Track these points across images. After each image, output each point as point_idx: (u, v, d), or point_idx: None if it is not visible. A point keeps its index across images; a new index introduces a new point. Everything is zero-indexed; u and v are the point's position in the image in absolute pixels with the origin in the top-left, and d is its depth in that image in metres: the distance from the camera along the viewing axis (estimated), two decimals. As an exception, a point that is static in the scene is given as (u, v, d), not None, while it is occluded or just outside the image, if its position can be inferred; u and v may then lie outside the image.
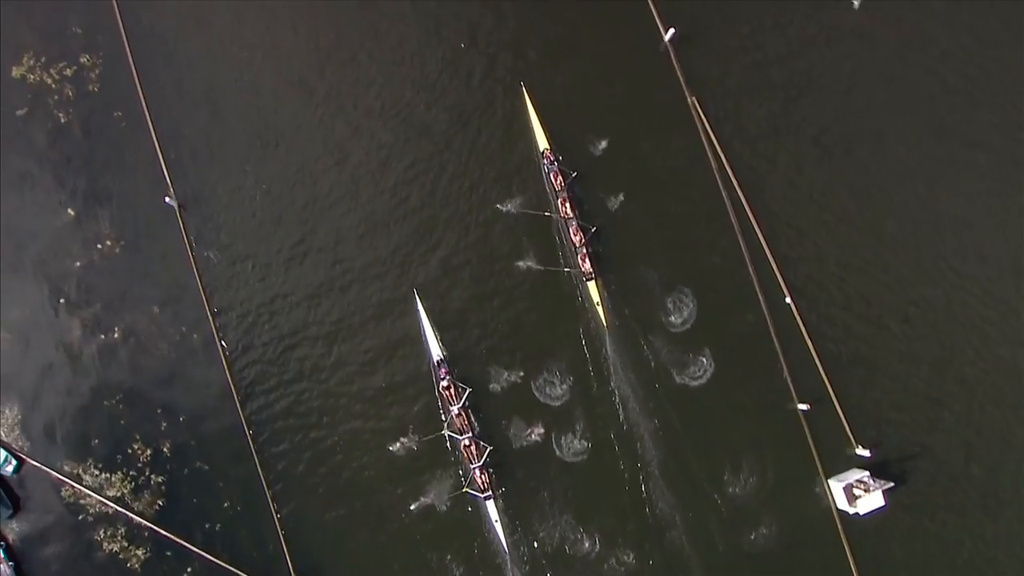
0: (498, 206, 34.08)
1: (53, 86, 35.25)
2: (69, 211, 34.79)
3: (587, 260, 33.06)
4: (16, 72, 35.39)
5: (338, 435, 33.49)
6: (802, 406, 33.17)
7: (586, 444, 33.29)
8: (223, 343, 33.98)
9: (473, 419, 33.22)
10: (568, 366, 33.49)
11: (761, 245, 33.74)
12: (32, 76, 35.33)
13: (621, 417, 33.30)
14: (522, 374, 33.43)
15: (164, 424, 33.73)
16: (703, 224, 34.25)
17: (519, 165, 34.46)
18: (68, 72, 35.31)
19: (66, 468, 33.64)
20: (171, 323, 34.18)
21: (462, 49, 34.77)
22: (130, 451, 33.70)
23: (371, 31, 35.09)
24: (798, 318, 33.34)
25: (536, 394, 33.34)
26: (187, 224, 34.24)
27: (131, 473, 33.61)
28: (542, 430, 33.20)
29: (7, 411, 33.96)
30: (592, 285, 33.21)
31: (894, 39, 34.92)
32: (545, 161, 33.82)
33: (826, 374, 33.29)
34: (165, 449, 33.70)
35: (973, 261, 34.06)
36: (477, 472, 32.19)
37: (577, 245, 33.09)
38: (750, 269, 33.66)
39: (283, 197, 34.51)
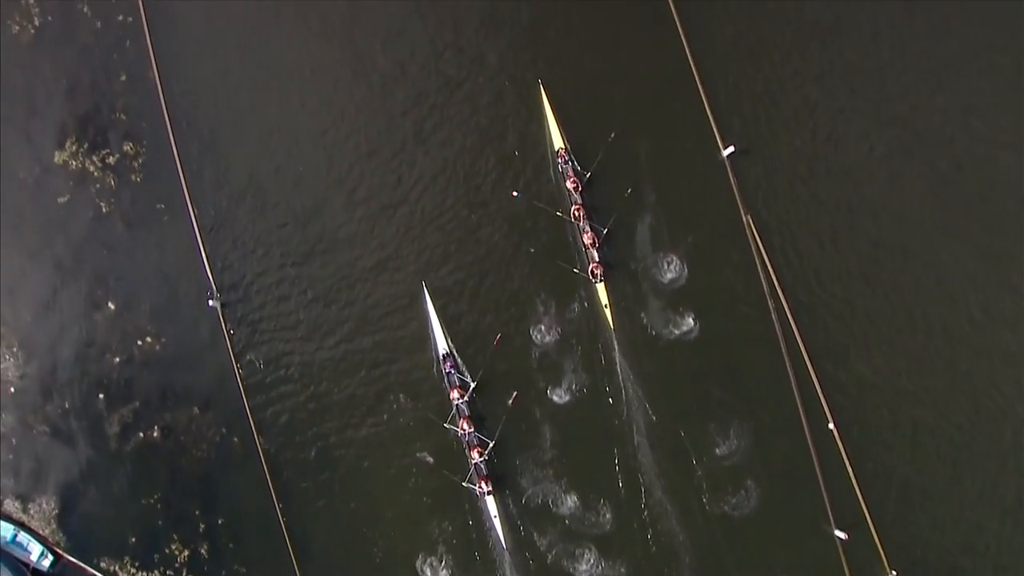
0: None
1: (95, 174, 34.65)
2: (110, 304, 34.38)
3: (597, 260, 32.58)
4: (59, 158, 34.80)
5: (382, 550, 33.20)
6: (840, 534, 33.08)
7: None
8: (262, 445, 33.67)
9: (477, 413, 32.71)
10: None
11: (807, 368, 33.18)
12: (74, 162, 34.74)
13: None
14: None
15: (202, 526, 33.61)
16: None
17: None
18: (111, 160, 34.68)
19: (103, 565, 33.63)
20: (211, 423, 33.87)
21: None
22: (167, 551, 33.60)
23: (415, 134, 34.20)
24: (840, 444, 33.03)
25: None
26: (228, 323, 33.75)
27: (168, 573, 33.58)
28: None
29: (45, 505, 33.90)
30: (601, 287, 32.76)
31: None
32: (559, 160, 33.25)
33: (863, 496, 33.03)
34: (203, 551, 33.62)
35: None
36: (477, 467, 31.87)
37: (588, 246, 32.64)
38: (795, 392, 33.21)
39: (323, 297, 33.81)
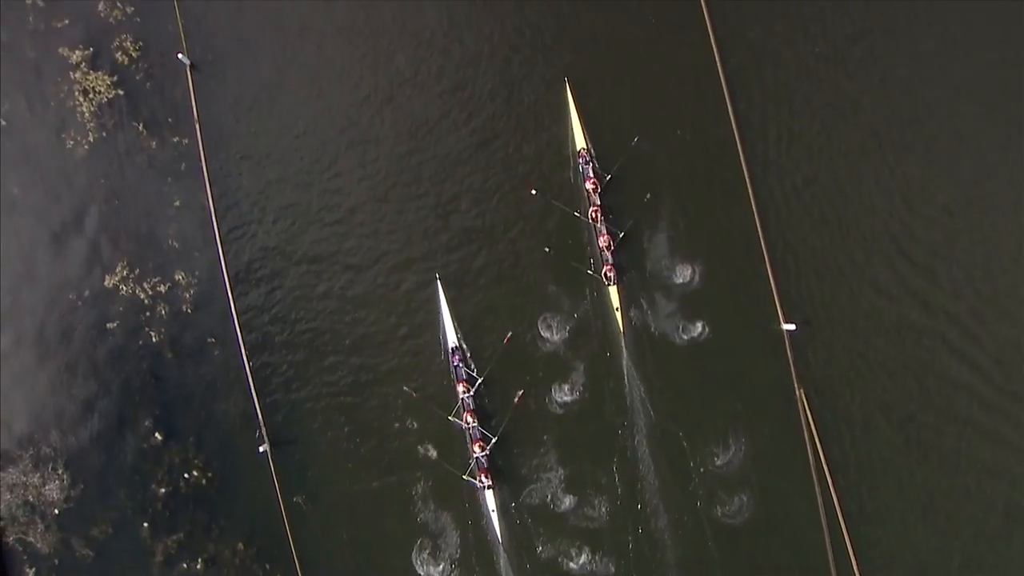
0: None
1: (146, 301, 34.32)
2: (156, 435, 34.29)
3: (611, 264, 32.78)
4: (109, 282, 34.45)
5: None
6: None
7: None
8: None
9: (482, 408, 32.99)
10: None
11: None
12: (125, 288, 34.39)
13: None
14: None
15: (244, 656, 33.97)
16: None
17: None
18: (162, 288, 34.31)
19: None
20: (255, 559, 33.95)
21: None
22: None
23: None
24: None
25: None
26: (276, 466, 33.69)
27: None
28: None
29: (87, 630, 34.27)
30: (613, 290, 32.94)
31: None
32: (580, 160, 33.28)
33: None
34: None
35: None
36: (479, 461, 32.29)
37: (603, 248, 32.81)
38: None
39: (373, 452, 33.73)
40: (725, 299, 33.01)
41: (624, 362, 32.89)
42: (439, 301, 33.41)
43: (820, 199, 33.28)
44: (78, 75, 35.10)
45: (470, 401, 32.83)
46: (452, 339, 33.20)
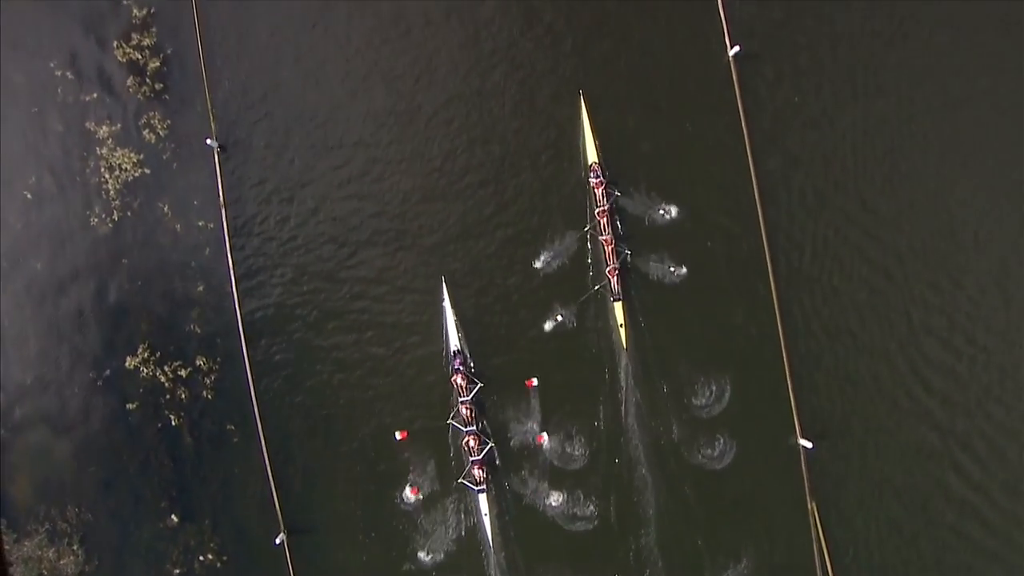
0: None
1: (166, 384, 34.42)
2: (172, 516, 34.54)
3: (617, 280, 33.19)
4: (130, 363, 34.51)
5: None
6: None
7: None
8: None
9: (479, 414, 33.60)
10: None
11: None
12: (145, 370, 34.48)
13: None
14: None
15: None
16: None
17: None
18: (183, 373, 34.41)
19: None
20: (269, 640, 34.45)
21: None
22: None
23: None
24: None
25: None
26: (293, 555, 34.02)
27: None
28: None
29: None
30: (618, 306, 33.40)
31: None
32: (591, 174, 33.64)
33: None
34: None
35: None
36: (475, 465, 32.95)
37: (610, 264, 33.25)
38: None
39: (389, 539, 34.20)
40: (744, 414, 33.51)
41: (622, 376, 33.39)
42: (443, 304, 33.69)
43: (840, 316, 33.50)
44: (104, 151, 34.91)
45: (469, 405, 33.20)
46: (454, 342, 33.55)
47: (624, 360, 33.86)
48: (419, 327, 34.33)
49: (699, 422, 33.67)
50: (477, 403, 33.63)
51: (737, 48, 33.67)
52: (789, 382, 33.18)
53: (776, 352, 33.47)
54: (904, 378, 33.24)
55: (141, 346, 34.34)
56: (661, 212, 33.89)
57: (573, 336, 34.06)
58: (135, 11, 35.50)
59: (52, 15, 35.59)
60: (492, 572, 33.40)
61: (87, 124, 35.16)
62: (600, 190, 33.52)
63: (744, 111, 34.01)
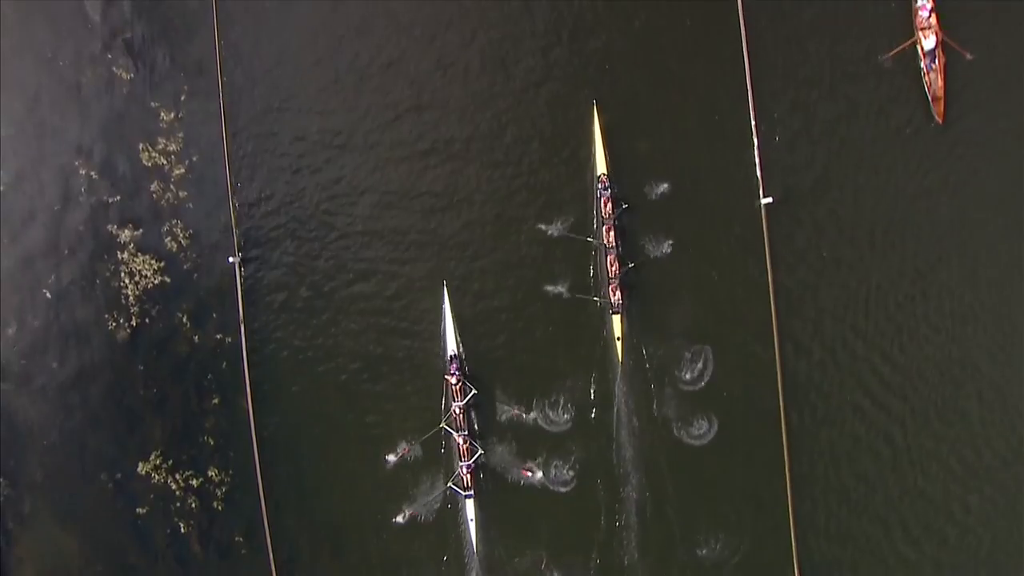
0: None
1: (177, 493, 34.97)
2: (180, 621, 35.39)
3: (618, 292, 33.43)
4: (143, 468, 34.97)
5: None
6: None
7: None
8: None
9: (472, 419, 34.23)
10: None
11: None
12: (157, 476, 34.97)
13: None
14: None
15: None
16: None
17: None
18: (194, 482, 34.93)
19: None
20: None
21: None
22: None
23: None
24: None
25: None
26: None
27: None
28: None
29: None
30: (617, 319, 33.73)
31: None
32: (599, 185, 33.90)
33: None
34: None
35: None
36: (464, 470, 33.59)
37: (612, 275, 33.52)
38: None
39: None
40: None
41: (616, 389, 33.61)
42: (443, 308, 33.91)
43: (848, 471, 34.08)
44: (126, 255, 35.01)
45: (462, 412, 33.57)
46: (451, 347, 33.90)
47: (619, 374, 33.87)
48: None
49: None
50: (471, 409, 33.82)
51: (769, 200, 33.51)
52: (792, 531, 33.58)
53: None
54: (896, 543, 33.78)
55: (154, 453, 34.81)
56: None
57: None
58: (163, 114, 35.21)
59: (80, 111, 35.39)
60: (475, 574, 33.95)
61: (109, 226, 35.12)
62: (606, 208, 33.28)
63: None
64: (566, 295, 34.07)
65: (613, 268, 33.34)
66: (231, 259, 34.41)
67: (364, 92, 35.12)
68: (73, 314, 35.36)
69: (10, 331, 35.38)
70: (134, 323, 35.05)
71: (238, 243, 34.85)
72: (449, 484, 33.97)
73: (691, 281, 34.19)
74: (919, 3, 33.02)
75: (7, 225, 35.44)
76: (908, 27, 33.66)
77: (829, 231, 34.14)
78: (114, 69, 35.68)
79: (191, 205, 35.23)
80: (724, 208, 34.23)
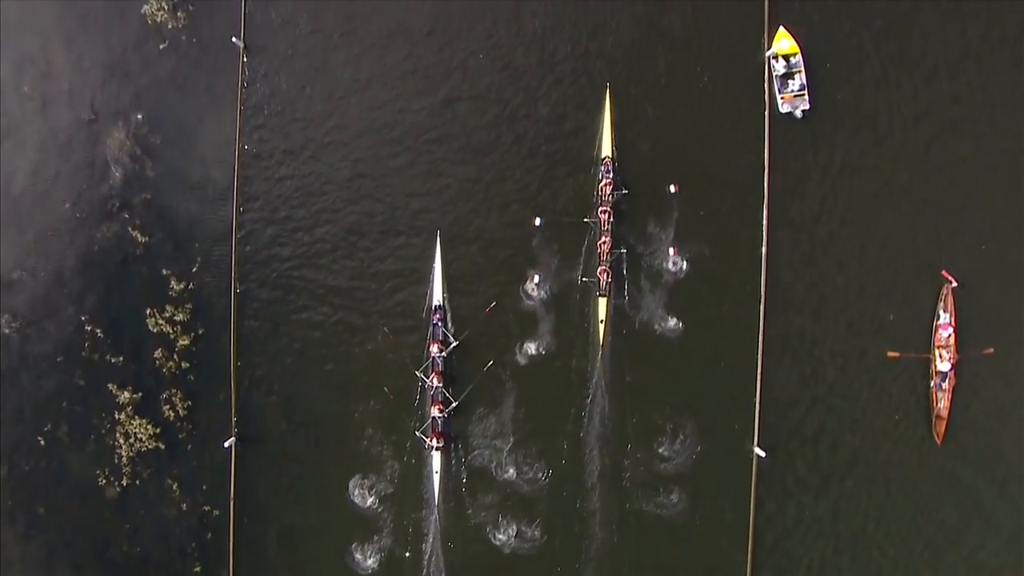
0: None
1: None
2: None
3: (606, 275, 34.07)
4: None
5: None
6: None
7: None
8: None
9: (449, 371, 34.70)
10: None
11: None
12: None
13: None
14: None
15: None
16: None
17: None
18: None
19: None
20: None
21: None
22: None
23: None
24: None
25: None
26: None
27: None
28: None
29: None
30: (602, 301, 34.34)
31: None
32: (603, 167, 34.50)
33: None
34: None
35: None
36: (435, 422, 34.11)
37: (602, 257, 34.16)
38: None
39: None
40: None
41: (597, 368, 34.07)
42: (434, 257, 34.54)
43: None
44: (123, 416, 35.48)
45: (440, 362, 34.23)
46: (437, 297, 34.63)
47: (599, 357, 34.43)
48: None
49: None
50: (449, 360, 34.36)
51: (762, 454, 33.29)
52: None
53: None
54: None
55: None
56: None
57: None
58: (174, 283, 35.30)
59: (90, 267, 35.29)
60: (431, 529, 34.60)
61: (109, 385, 35.44)
62: (606, 191, 33.60)
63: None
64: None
65: (605, 249, 33.42)
66: (226, 443, 34.84)
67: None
68: (65, 466, 35.80)
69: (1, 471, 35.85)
70: (124, 483, 35.72)
71: (235, 426, 35.14)
72: (418, 433, 33.98)
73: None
74: (941, 320, 32.55)
75: (7, 370, 35.78)
76: (925, 338, 33.41)
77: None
78: (129, 229, 35.36)
79: (192, 378, 35.57)
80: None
